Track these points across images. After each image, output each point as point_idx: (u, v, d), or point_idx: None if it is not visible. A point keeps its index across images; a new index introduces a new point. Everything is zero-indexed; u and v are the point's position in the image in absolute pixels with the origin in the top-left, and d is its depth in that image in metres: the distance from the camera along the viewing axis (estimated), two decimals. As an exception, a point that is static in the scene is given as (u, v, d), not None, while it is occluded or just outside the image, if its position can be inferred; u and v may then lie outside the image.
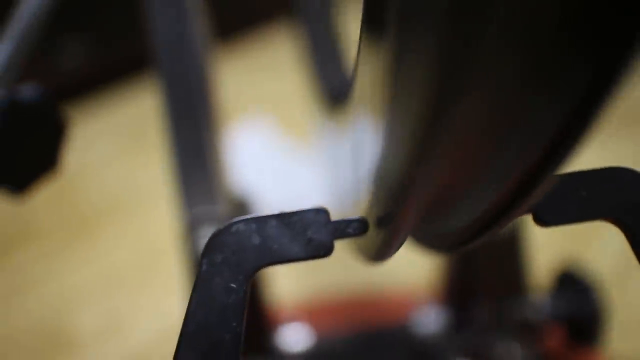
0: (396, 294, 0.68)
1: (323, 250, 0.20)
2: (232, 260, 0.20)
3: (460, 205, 0.18)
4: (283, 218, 0.20)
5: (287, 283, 0.80)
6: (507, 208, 0.16)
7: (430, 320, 0.60)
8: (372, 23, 0.15)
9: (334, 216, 0.21)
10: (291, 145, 1.06)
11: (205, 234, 0.49)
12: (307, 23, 0.60)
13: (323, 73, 0.55)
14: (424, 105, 0.12)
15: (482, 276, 0.54)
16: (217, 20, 1.12)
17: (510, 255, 0.53)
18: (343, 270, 0.81)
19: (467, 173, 0.16)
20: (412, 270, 0.75)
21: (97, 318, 0.82)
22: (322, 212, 0.20)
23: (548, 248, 0.81)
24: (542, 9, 0.11)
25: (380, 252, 0.21)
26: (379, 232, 0.19)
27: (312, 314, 0.65)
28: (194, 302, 0.19)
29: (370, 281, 0.77)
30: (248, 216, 0.20)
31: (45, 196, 1.03)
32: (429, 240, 0.24)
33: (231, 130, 1.10)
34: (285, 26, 1.18)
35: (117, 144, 1.15)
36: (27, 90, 0.34)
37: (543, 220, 0.20)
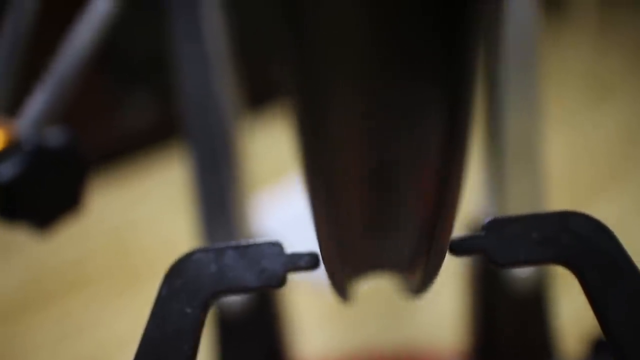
0: (423, 351, 0.66)
1: (275, 281, 0.21)
2: (189, 286, 0.21)
3: (389, 236, 0.19)
4: (240, 249, 0.21)
5: (323, 336, 0.80)
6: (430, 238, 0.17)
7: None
8: None
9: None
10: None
11: None
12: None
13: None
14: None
15: (506, 336, 0.52)
16: (262, 87, 1.17)
17: (535, 316, 0.51)
18: (380, 326, 0.80)
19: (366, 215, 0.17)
20: (450, 329, 0.73)
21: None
22: (276, 245, 0.21)
23: (585, 314, 0.77)
24: None
25: (333, 289, 0.21)
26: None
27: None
28: (151, 323, 0.21)
29: (404, 338, 0.76)
30: (208, 246, 0.21)
31: (99, 246, 1.08)
32: (396, 277, 0.25)
33: (273, 192, 1.13)
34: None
35: (171, 199, 1.19)
36: (54, 134, 0.37)
37: (494, 261, 0.21)
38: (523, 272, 0.50)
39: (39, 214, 0.36)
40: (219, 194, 0.51)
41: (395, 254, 0.20)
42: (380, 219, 0.17)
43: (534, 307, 0.51)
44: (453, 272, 0.75)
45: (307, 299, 0.80)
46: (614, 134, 1.27)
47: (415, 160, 0.14)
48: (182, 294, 0.21)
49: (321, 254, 0.18)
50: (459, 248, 0.21)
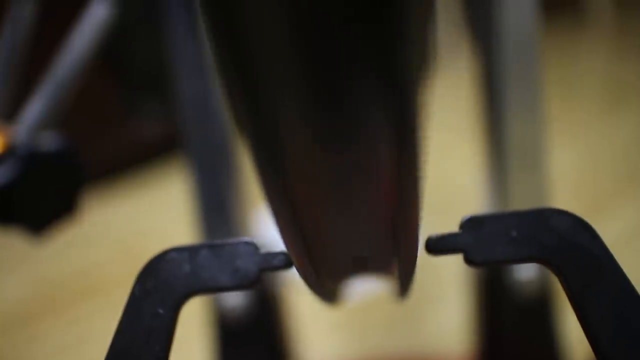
0: (430, 357, 0.66)
1: (247, 281, 0.20)
2: (162, 286, 0.21)
3: (349, 234, 0.18)
4: (214, 248, 0.21)
5: (331, 343, 0.79)
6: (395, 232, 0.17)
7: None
8: None
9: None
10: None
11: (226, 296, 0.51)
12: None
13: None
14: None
15: (512, 341, 0.51)
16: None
17: (541, 319, 0.50)
18: (387, 333, 0.79)
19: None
20: (456, 334, 0.72)
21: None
22: (250, 244, 0.21)
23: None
24: None
25: (310, 291, 0.21)
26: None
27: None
28: (123, 324, 0.20)
29: (411, 344, 0.75)
30: (182, 245, 0.21)
31: (107, 256, 1.08)
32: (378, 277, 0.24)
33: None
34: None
35: (180, 209, 1.19)
36: (50, 140, 0.37)
37: (471, 260, 0.20)
38: (527, 276, 0.49)
39: (34, 219, 0.37)
40: (219, 203, 0.51)
41: (365, 258, 0.20)
42: (342, 225, 0.17)
43: (540, 310, 0.50)
44: (458, 278, 0.74)
45: (314, 305, 0.79)
46: (628, 142, 1.25)
47: (369, 165, 0.14)
48: (155, 294, 0.21)
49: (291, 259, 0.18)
50: (435, 247, 0.20)
